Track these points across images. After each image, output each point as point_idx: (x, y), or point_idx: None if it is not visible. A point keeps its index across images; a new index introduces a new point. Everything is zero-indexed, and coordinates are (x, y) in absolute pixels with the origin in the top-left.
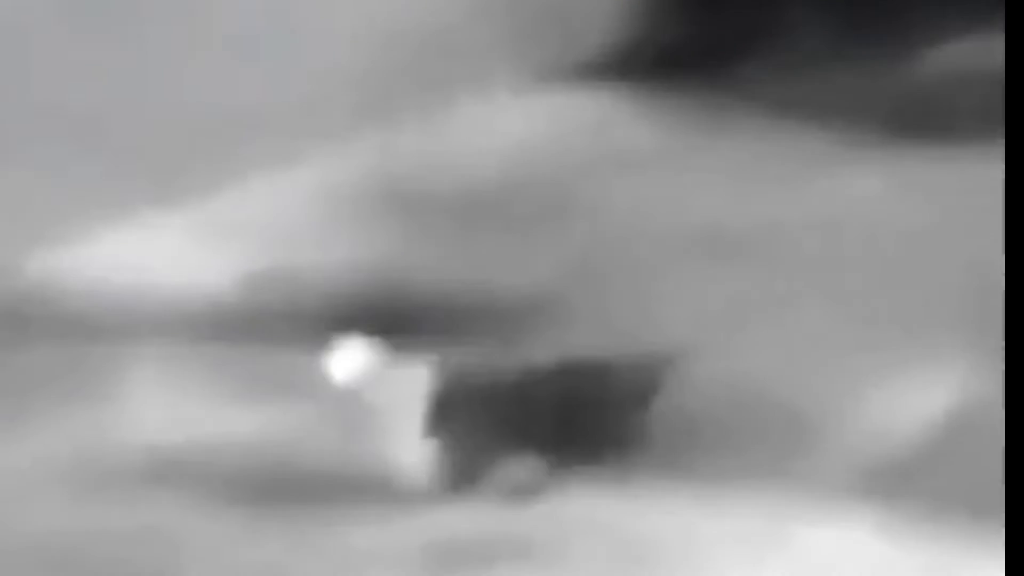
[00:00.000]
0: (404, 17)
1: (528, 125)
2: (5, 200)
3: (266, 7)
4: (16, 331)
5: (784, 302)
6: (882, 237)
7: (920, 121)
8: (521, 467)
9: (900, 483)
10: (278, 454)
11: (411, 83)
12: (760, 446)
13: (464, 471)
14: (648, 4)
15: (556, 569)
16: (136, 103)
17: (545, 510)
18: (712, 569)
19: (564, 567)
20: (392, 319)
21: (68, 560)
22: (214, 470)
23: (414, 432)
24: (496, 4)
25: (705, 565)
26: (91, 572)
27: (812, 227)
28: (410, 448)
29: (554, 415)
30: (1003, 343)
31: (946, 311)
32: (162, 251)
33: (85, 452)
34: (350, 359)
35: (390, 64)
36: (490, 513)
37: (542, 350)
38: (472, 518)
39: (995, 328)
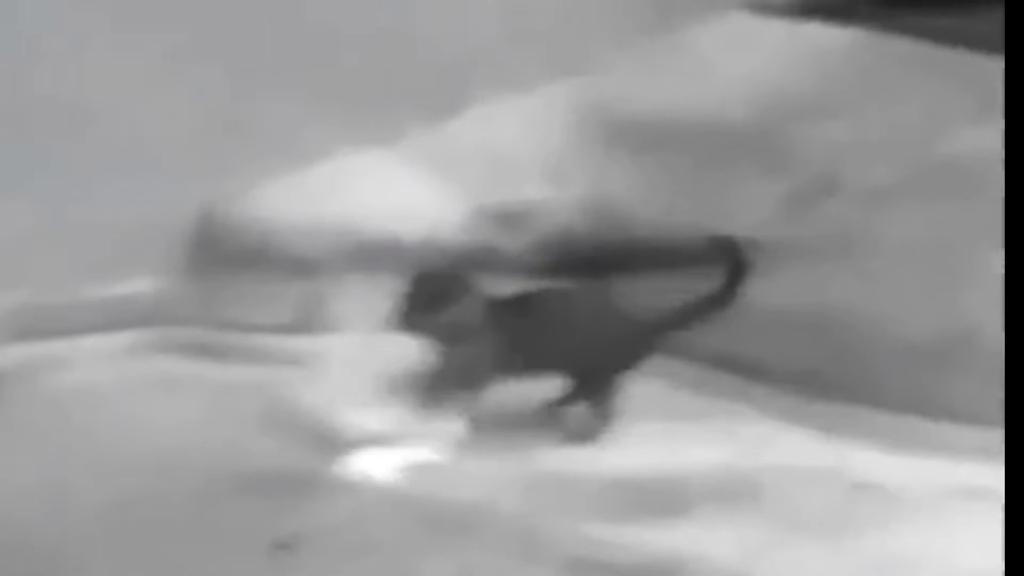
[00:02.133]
0: None
1: (757, 61)
2: (232, 135)
3: None
4: (231, 266)
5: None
6: None
7: None
8: None
9: None
10: None
11: (644, 14)
12: None
13: None
14: None
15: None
16: (365, 38)
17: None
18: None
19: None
20: (617, 260)
21: None
22: None
23: None
24: None
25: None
26: None
27: None
28: None
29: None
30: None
31: None
32: (386, 186)
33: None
34: None
35: None
36: None
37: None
38: None
39: None
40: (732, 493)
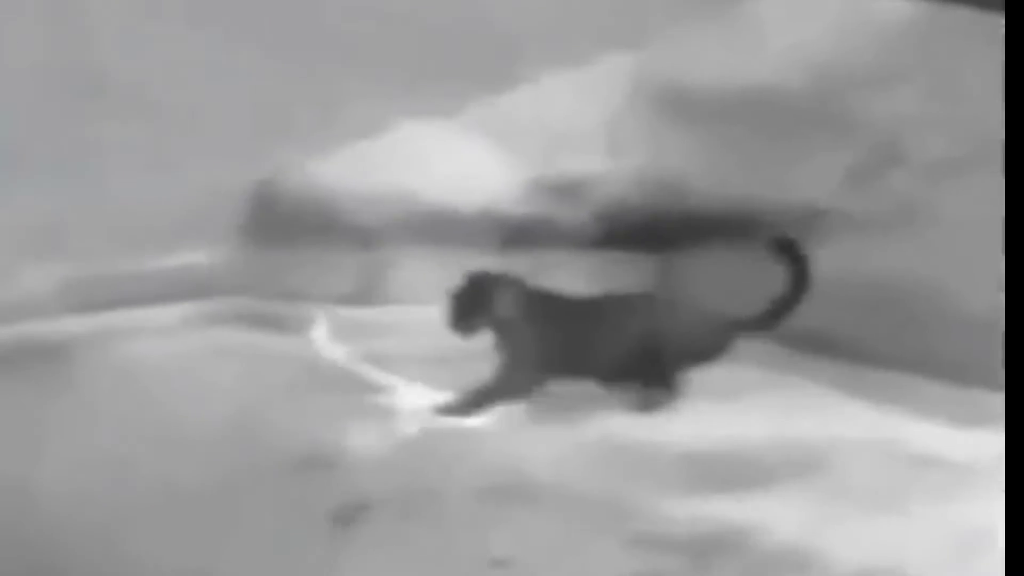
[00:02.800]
0: None
1: (815, 31)
2: (281, 110)
3: None
4: (289, 236)
5: None
6: None
7: None
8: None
9: None
10: None
11: None
12: None
13: None
14: None
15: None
16: (422, 12)
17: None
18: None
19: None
20: (674, 232)
21: None
22: None
23: None
24: None
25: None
26: None
27: None
28: None
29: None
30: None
31: None
32: (444, 158)
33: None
34: None
35: None
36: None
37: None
38: None
39: None
40: (794, 466)
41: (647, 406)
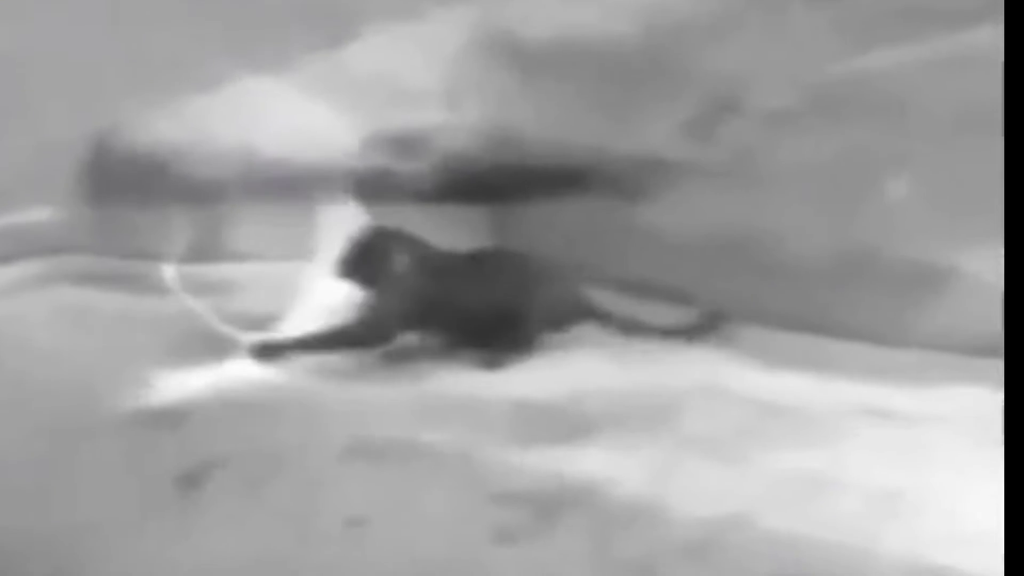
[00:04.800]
0: None
1: None
2: (117, 65)
3: None
4: (129, 193)
5: (902, 155)
6: None
7: None
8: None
9: None
10: None
11: None
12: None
13: None
14: None
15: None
16: None
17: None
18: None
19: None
20: (511, 183)
21: None
22: None
23: None
24: None
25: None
26: None
27: (939, 76)
28: None
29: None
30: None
31: None
32: (282, 113)
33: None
34: None
35: None
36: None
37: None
38: None
39: None
40: (639, 416)
41: (498, 363)
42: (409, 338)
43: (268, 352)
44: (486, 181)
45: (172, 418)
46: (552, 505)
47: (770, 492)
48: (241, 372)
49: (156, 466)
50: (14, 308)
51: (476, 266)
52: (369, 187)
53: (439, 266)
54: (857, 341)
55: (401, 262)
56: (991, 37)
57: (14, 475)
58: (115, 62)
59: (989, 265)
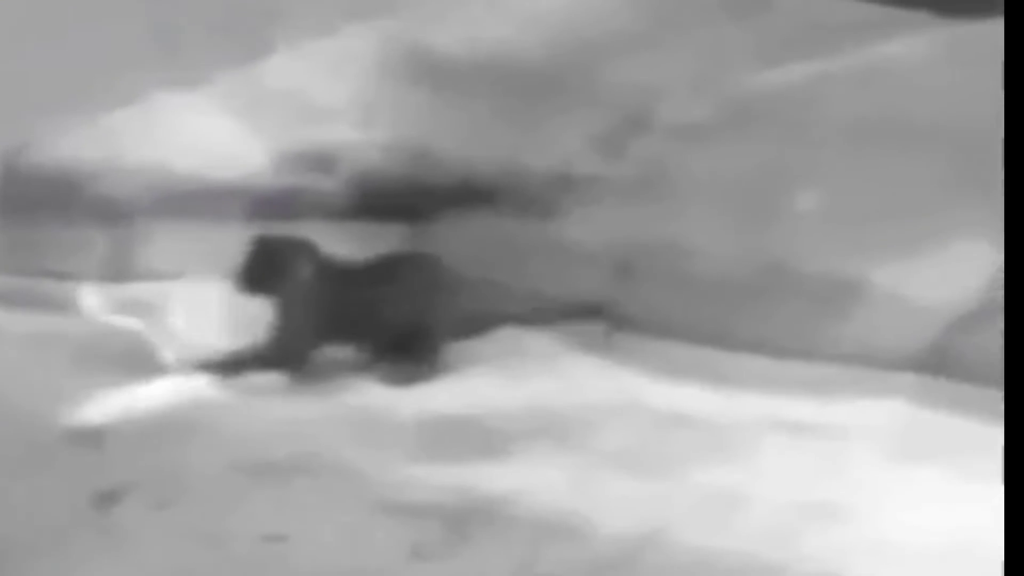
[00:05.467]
0: None
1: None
2: (29, 82)
3: None
4: (41, 211)
5: (812, 168)
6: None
7: None
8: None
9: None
10: None
11: None
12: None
13: None
14: None
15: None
16: None
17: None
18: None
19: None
20: (423, 200)
21: None
22: None
23: None
24: None
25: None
26: None
27: (846, 91)
28: None
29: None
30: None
31: (977, 183)
32: (195, 130)
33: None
34: None
35: None
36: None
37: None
38: None
39: None
40: (551, 430)
41: (408, 378)
42: (320, 354)
43: (184, 370)
44: (398, 198)
45: (90, 438)
46: (464, 520)
47: (687, 507)
48: (156, 392)
49: (74, 485)
50: None
51: (387, 271)
52: (281, 204)
53: (346, 273)
54: (768, 355)
55: (304, 270)
56: (900, 50)
57: None
58: (25, 77)
59: (899, 278)
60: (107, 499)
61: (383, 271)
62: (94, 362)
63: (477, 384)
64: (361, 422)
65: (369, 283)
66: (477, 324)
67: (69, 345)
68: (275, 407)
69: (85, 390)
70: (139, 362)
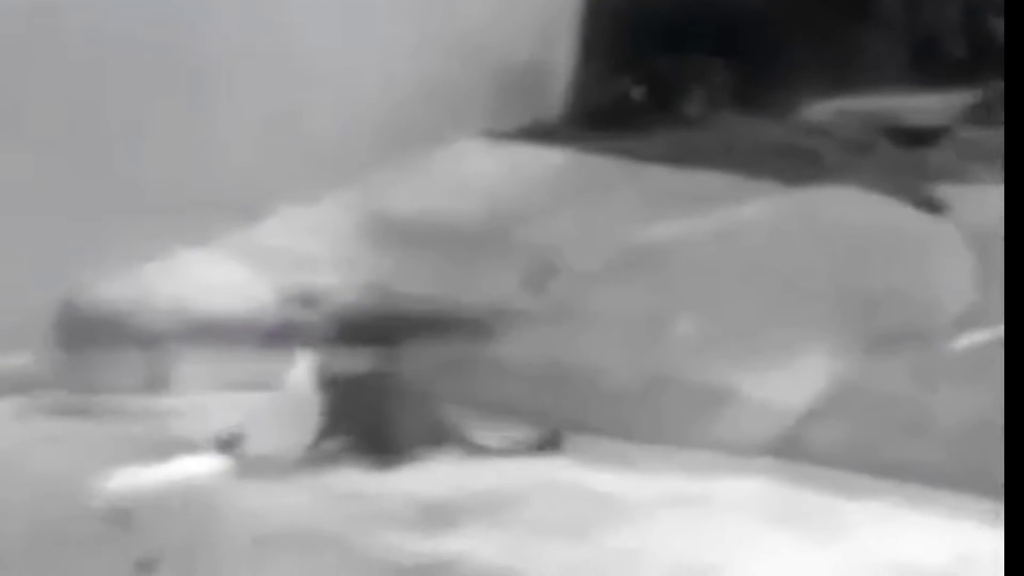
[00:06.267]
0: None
1: (494, 174)
2: (94, 239)
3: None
4: (91, 340)
5: (688, 305)
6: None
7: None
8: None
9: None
10: None
11: (402, 138)
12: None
13: None
14: (585, 79)
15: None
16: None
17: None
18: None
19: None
20: (389, 328)
21: None
22: None
23: None
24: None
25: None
26: None
27: (713, 242)
28: None
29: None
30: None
31: (815, 311)
32: (210, 277)
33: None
34: None
35: (386, 121)
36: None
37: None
38: None
39: (854, 326)
40: (495, 507)
41: (383, 466)
42: (321, 445)
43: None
44: (369, 327)
45: (125, 515)
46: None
47: (595, 564)
48: (177, 475)
49: (112, 557)
50: (4, 435)
51: (366, 386)
52: (279, 333)
53: (335, 384)
54: (659, 444)
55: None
56: (752, 211)
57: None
58: (77, 238)
59: (757, 384)
60: (144, 569)
61: (362, 385)
62: (134, 455)
63: (433, 469)
64: (346, 501)
65: (353, 393)
66: (431, 427)
67: (115, 443)
68: (272, 489)
69: (123, 477)
70: (169, 456)
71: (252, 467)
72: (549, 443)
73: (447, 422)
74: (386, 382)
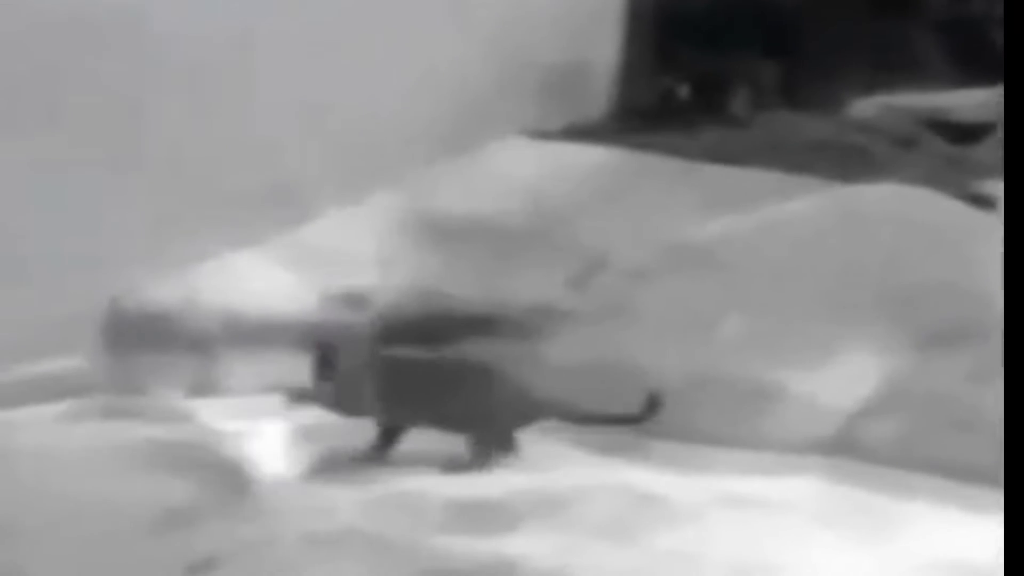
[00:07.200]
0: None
1: (538, 173)
2: (128, 242)
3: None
4: (139, 343)
5: (735, 303)
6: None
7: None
8: None
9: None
10: None
11: (447, 138)
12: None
13: None
14: (629, 78)
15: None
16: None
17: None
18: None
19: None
20: (434, 329)
21: None
22: None
23: None
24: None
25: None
26: None
27: (760, 239)
28: None
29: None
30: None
31: (864, 308)
32: (257, 279)
33: None
34: None
35: (429, 121)
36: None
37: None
38: None
39: (903, 323)
40: (548, 510)
41: (474, 461)
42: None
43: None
44: (414, 328)
45: (182, 518)
46: None
47: (648, 567)
48: (232, 478)
49: (170, 559)
50: (53, 440)
51: (438, 370)
52: (324, 335)
53: (405, 364)
54: (708, 445)
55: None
56: (799, 207)
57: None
58: (126, 239)
59: (807, 383)
60: (201, 569)
61: (442, 369)
62: (185, 461)
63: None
64: (399, 501)
65: (430, 378)
66: (525, 411)
67: (167, 447)
68: (336, 487)
69: (177, 481)
70: (219, 458)
71: (310, 466)
72: (650, 410)
73: (538, 396)
74: (456, 364)
